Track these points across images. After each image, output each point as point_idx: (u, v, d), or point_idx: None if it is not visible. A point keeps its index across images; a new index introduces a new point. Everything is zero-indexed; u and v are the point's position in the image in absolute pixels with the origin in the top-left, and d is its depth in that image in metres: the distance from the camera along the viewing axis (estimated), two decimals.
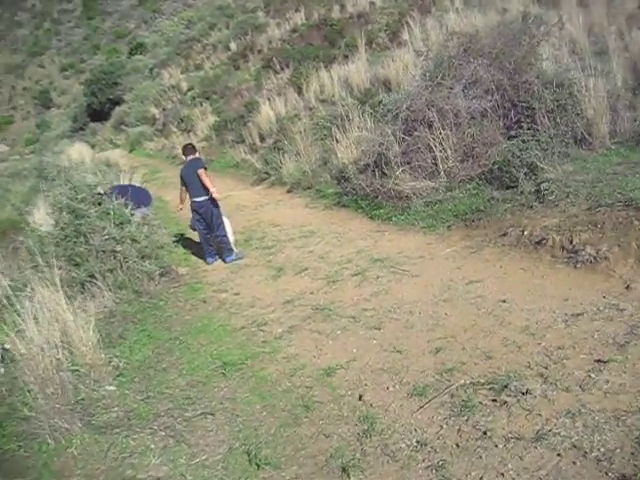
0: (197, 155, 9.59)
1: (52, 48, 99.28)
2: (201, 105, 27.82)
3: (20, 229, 11.12)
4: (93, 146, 40.29)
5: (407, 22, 17.26)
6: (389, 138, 9.73)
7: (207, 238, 9.38)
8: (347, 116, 12.32)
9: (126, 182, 13.51)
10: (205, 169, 9.11)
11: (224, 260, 9.32)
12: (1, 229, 12.49)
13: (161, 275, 8.32)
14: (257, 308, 6.99)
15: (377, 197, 9.64)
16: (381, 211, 9.41)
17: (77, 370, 5.35)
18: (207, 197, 9.09)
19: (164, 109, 35.19)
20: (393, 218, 9.02)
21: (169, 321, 7.05)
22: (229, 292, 7.80)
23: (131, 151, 34.87)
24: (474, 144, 8.97)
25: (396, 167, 9.38)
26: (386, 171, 9.56)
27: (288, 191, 13.62)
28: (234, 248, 9.43)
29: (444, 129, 9.08)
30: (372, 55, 17.32)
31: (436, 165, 9.10)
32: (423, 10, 18.69)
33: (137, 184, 10.00)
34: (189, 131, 26.79)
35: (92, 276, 7.48)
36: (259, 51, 27.67)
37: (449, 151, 9.02)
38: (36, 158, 43.97)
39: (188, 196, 9.28)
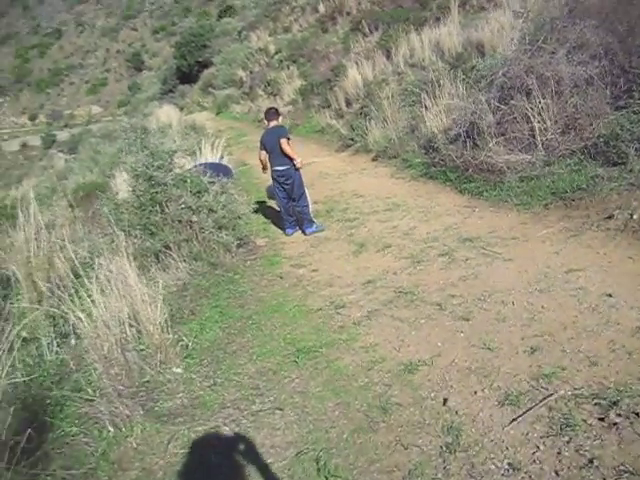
0: (280, 121, 9.18)
1: (145, 11, 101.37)
2: (288, 68, 27.54)
3: (102, 193, 11.10)
4: (182, 108, 41.00)
5: None
6: (482, 106, 9.05)
7: (287, 208, 9.03)
8: (437, 82, 11.65)
9: (207, 147, 13.37)
10: (288, 139, 8.71)
11: (304, 232, 8.97)
12: (85, 192, 12.55)
13: (238, 246, 8.03)
14: (336, 287, 6.55)
15: (467, 170, 9.00)
16: (471, 185, 8.77)
17: (143, 350, 5.10)
18: (289, 166, 8.72)
19: (251, 72, 35.14)
20: (484, 193, 8.38)
21: (243, 297, 6.72)
22: (307, 268, 7.40)
23: (218, 114, 35.10)
24: (577, 115, 8.15)
25: (489, 138, 8.72)
26: (478, 142, 8.91)
27: (373, 159, 13.13)
28: (314, 219, 9.07)
29: (544, 98, 8.30)
30: (465, 17, 16.41)
31: (533, 137, 8.35)
32: None
33: (217, 161, 9.65)
34: (275, 94, 26.62)
35: (167, 246, 7.26)
36: (348, 13, 27.10)
37: (549, 122, 8.26)
38: (126, 119, 45.00)
39: (269, 164, 8.94)
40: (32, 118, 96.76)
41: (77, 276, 5.82)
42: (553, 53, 8.66)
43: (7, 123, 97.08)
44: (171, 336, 5.26)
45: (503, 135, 8.70)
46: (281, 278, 7.18)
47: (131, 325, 5.14)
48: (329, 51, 23.90)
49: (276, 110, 9.35)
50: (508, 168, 8.21)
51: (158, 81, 67.44)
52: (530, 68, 8.58)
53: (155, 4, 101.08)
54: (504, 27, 12.92)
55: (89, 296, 5.04)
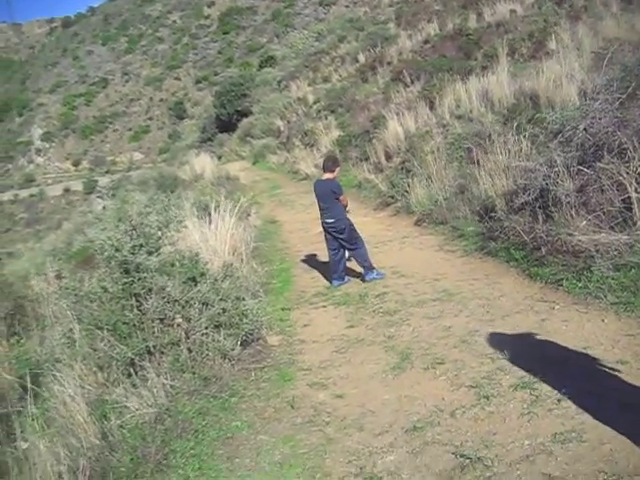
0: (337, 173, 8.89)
1: (189, 61, 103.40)
2: (326, 119, 26.25)
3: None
4: (220, 157, 40.30)
5: (554, 30, 15.11)
6: (558, 169, 7.17)
7: (336, 260, 8.73)
8: (490, 136, 9.87)
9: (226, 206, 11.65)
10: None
11: (363, 279, 8.55)
12: (82, 258, 10.86)
13: (243, 346, 6.16)
14: (367, 433, 4.53)
15: (539, 248, 7.04)
16: (546, 270, 6.78)
17: None
18: (339, 218, 8.58)
19: (289, 122, 34.10)
20: (564, 282, 6.37)
21: (235, 441, 4.73)
22: (330, 390, 5.39)
23: (254, 163, 34.01)
24: None
25: (568, 210, 6.82)
26: (554, 214, 7.02)
27: (416, 223, 11.31)
28: (374, 265, 8.59)
29: None
30: (514, 66, 15.09)
31: (630, 210, 6.42)
32: (572, 17, 16.35)
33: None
34: (312, 145, 25.25)
35: (144, 353, 5.44)
36: (388, 63, 26.12)
37: None
38: (162, 168, 44.19)
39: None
40: (76, 164, 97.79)
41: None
42: None
43: (52, 168, 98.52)
44: None
45: (585, 206, 6.80)
46: (292, 407, 5.16)
47: None
48: (369, 101, 22.60)
49: (335, 160, 9.04)
50: (597, 251, 6.20)
51: (198, 129, 67.26)
52: (623, 122, 6.71)
53: (199, 55, 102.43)
54: (560, 77, 11.27)
55: None
